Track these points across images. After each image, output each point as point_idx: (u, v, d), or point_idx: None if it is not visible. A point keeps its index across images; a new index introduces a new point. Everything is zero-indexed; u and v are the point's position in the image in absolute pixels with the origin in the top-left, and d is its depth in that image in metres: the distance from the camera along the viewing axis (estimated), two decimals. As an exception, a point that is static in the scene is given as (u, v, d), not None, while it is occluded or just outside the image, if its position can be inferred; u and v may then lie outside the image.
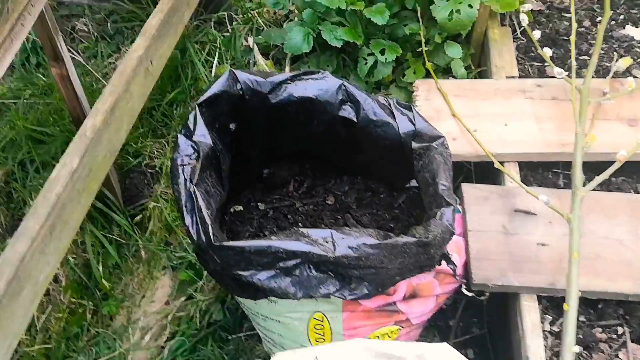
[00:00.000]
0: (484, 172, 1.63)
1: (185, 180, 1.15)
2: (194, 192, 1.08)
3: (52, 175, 1.18)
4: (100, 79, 2.18)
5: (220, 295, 1.67)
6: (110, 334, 1.66)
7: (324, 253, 1.03)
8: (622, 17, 2.01)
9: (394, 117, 1.31)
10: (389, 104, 1.33)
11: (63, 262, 1.70)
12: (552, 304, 1.35)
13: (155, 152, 2.01)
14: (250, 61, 2.23)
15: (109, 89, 1.36)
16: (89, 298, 1.71)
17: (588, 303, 1.35)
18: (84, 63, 2.22)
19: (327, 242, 1.04)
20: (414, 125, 1.31)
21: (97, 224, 1.77)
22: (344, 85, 1.30)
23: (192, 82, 2.19)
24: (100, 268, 1.74)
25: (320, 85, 1.28)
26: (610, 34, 1.95)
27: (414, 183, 1.46)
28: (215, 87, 1.20)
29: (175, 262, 1.78)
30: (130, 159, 1.97)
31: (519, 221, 1.40)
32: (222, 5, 2.28)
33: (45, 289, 1.29)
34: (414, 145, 1.30)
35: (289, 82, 1.26)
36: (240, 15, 2.34)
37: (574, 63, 1.46)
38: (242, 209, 1.49)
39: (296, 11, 2.12)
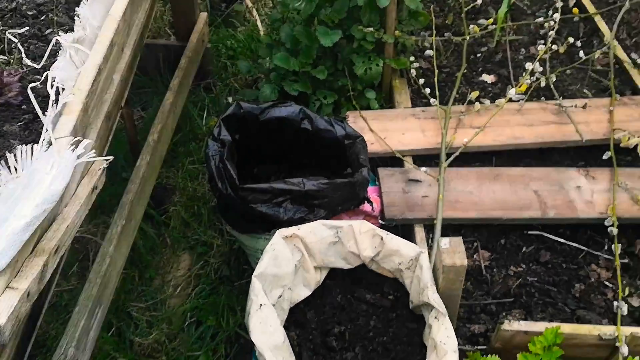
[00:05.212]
0: (394, 163, 2.56)
1: (214, 163, 2.02)
2: (225, 164, 1.95)
3: (137, 164, 2.05)
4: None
5: (227, 259, 2.49)
6: (152, 290, 2.44)
7: (298, 189, 1.91)
8: (480, 69, 3.05)
9: (333, 127, 2.23)
10: (330, 120, 2.25)
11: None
12: (431, 229, 2.25)
13: (170, 175, 2.86)
14: (231, 113, 3.14)
15: (157, 120, 2.25)
16: (135, 267, 2.49)
17: (455, 229, 2.26)
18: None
19: (299, 184, 1.92)
20: (345, 130, 2.23)
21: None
22: (303, 109, 2.21)
23: (190, 129, 3.08)
24: (142, 248, 2.54)
25: (289, 109, 2.20)
26: (473, 80, 2.97)
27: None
28: (230, 110, 2.10)
29: (192, 243, 2.59)
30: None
31: (412, 186, 2.32)
32: (208, 75, 3.22)
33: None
34: (346, 142, 2.21)
35: (270, 108, 2.17)
36: (220, 82, 3.28)
37: (451, 101, 2.44)
38: (241, 193, 2.35)
39: (263, 76, 3.07)
